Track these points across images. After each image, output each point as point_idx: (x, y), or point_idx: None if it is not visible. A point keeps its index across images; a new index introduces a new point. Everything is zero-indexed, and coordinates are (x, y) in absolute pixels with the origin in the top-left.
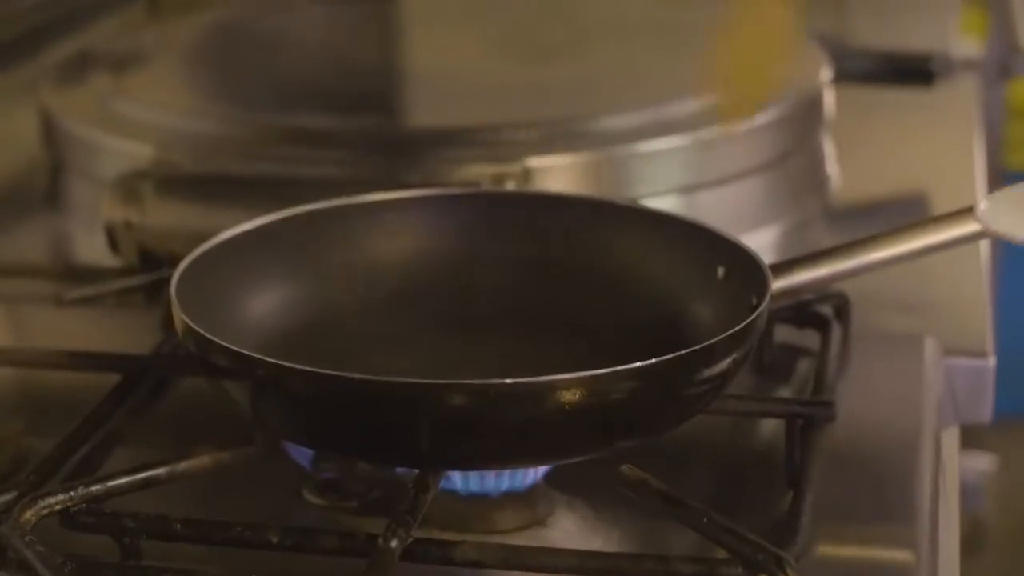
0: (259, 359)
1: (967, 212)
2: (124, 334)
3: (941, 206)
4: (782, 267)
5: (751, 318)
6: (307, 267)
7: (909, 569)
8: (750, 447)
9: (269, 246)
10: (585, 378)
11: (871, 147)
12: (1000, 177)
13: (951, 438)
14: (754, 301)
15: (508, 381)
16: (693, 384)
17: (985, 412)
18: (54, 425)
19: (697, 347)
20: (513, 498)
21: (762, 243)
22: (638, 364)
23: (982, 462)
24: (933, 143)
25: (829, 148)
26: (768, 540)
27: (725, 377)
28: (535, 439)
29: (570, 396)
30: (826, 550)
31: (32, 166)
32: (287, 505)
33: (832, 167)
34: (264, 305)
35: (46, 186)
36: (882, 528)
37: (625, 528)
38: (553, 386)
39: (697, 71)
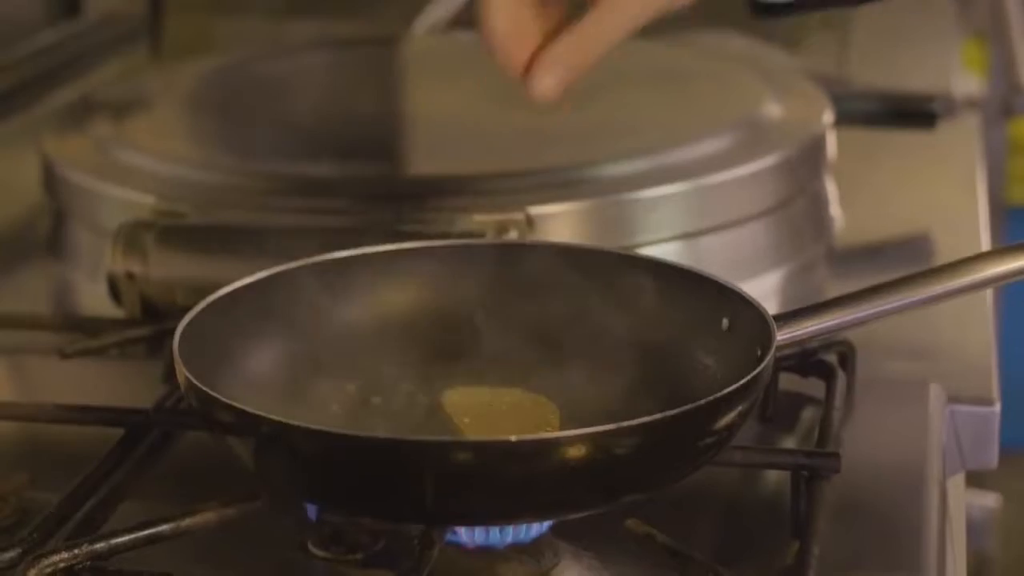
0: (262, 417)
1: (973, 260)
2: (127, 386)
3: (945, 247)
4: (787, 318)
5: (756, 371)
6: (311, 320)
7: None
8: (755, 496)
9: (271, 299)
10: (589, 435)
11: (874, 189)
12: (1002, 211)
13: (957, 485)
14: (759, 352)
15: (512, 439)
16: (699, 438)
17: (991, 458)
18: (58, 478)
19: (702, 402)
20: (518, 550)
21: (766, 288)
22: (643, 420)
23: (988, 500)
24: (936, 184)
25: (832, 190)
26: None
27: (731, 430)
28: (540, 495)
29: (575, 452)
30: None
31: (33, 213)
32: (291, 558)
33: (835, 209)
34: (267, 358)
35: (48, 233)
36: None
37: None
38: (557, 443)
39: (698, 117)
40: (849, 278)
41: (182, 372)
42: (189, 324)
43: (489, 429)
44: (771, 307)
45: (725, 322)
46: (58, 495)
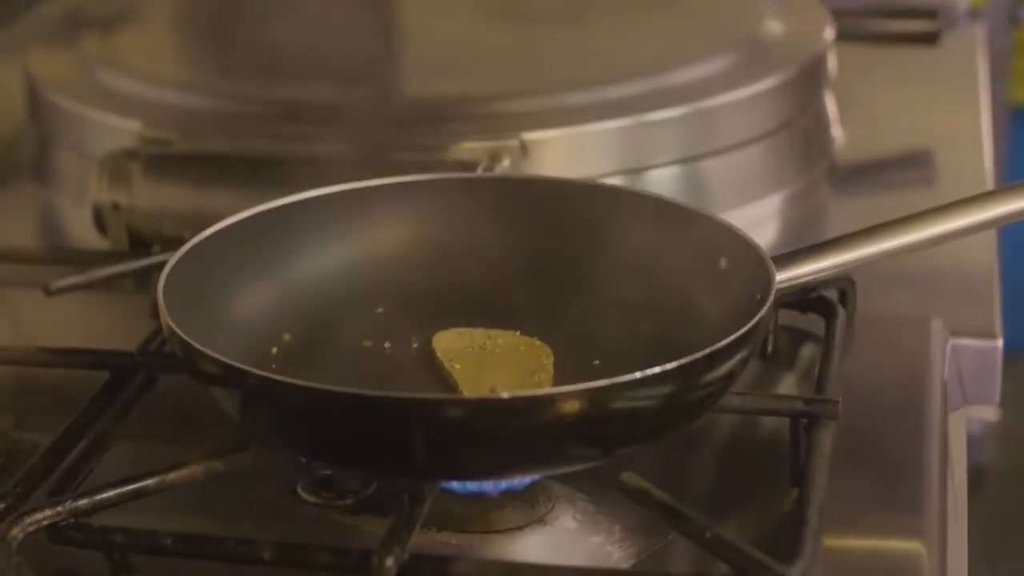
0: (248, 371)
1: (977, 199)
2: (113, 321)
3: (947, 163)
4: (786, 259)
5: (755, 319)
6: (299, 260)
7: (918, 559)
8: (751, 441)
9: (258, 239)
10: (584, 391)
11: (875, 106)
12: (1006, 112)
13: (959, 420)
14: (758, 297)
15: (505, 396)
16: (698, 389)
17: (993, 394)
18: (44, 419)
19: (699, 354)
20: (512, 496)
21: (768, 211)
22: (639, 375)
23: (987, 413)
24: (938, 100)
25: (832, 109)
26: (770, 547)
27: (730, 378)
28: (534, 451)
29: (569, 408)
30: (832, 542)
31: (19, 131)
32: (280, 502)
33: (836, 128)
34: (255, 301)
35: (33, 156)
36: (889, 518)
37: (626, 522)
38: (551, 399)
39: (697, 36)
40: (851, 197)
41: (166, 322)
42: (174, 268)
43: (481, 374)
44: (773, 230)
45: (723, 262)
46: (44, 435)
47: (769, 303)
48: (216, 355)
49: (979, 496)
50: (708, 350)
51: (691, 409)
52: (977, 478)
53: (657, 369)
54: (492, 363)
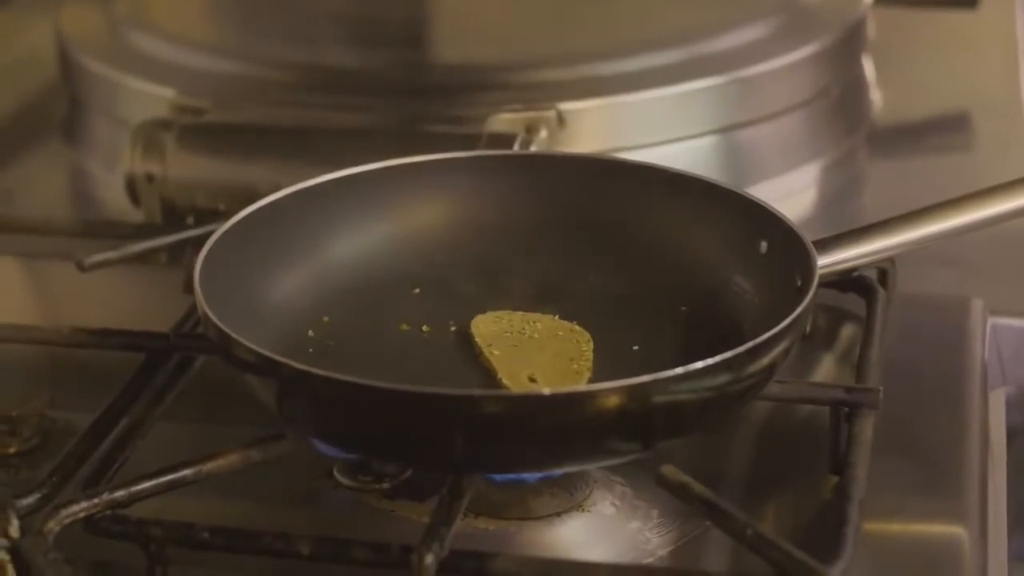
0: (284, 363)
1: (1015, 184)
2: (147, 295)
3: (985, 127)
4: (827, 244)
5: (799, 309)
6: (336, 239)
7: (959, 544)
8: (790, 426)
9: (293, 219)
10: (625, 387)
11: (913, 69)
12: None
13: (998, 399)
14: (799, 283)
15: (546, 392)
16: (740, 381)
17: None
18: (79, 398)
19: (743, 348)
20: (550, 483)
21: (806, 180)
22: (680, 370)
23: None
24: (976, 64)
25: (870, 72)
26: (810, 539)
27: (772, 369)
28: (574, 445)
29: (610, 404)
30: (872, 527)
31: (50, 88)
32: (317, 486)
33: (874, 92)
34: (292, 282)
35: (64, 118)
36: (930, 503)
37: (664, 508)
38: (592, 395)
39: (733, 2)
40: (889, 161)
41: (203, 309)
42: (209, 252)
43: (519, 361)
44: (812, 198)
45: (764, 245)
46: (79, 414)
47: (812, 292)
48: (252, 345)
49: (1013, 450)
50: (751, 344)
51: (733, 401)
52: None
53: (699, 364)
54: (531, 349)
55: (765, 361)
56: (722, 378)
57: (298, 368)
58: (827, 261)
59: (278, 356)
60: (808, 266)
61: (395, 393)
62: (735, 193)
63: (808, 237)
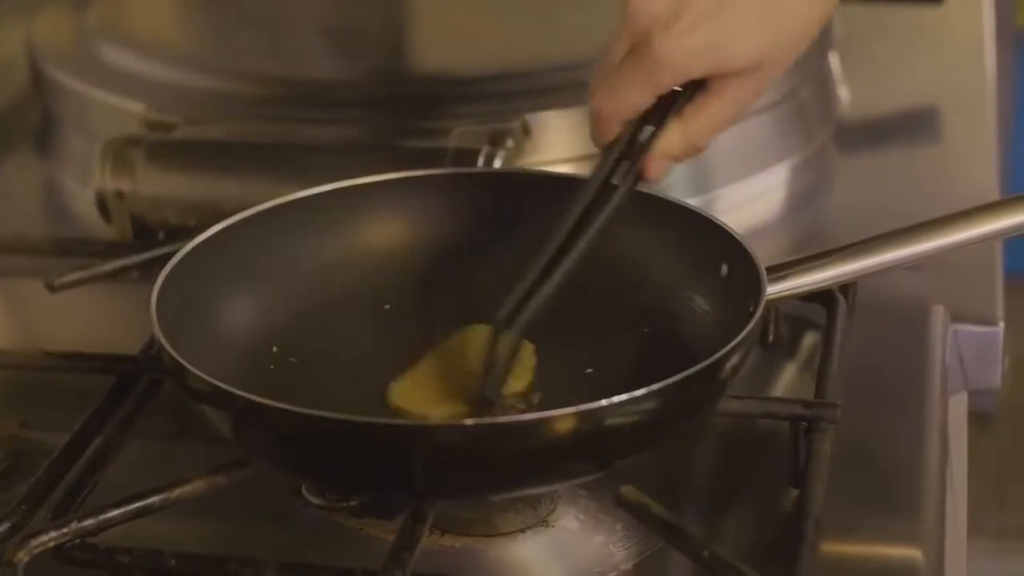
0: (238, 395)
1: (979, 210)
2: (118, 312)
3: (953, 122)
4: (782, 270)
5: (743, 334)
6: (296, 258)
7: (915, 566)
8: (750, 441)
9: (252, 241)
10: (579, 413)
11: (881, 65)
12: (1013, 37)
13: (959, 404)
14: (751, 309)
15: (500, 421)
16: (691, 402)
17: (994, 377)
18: (51, 419)
19: (691, 371)
20: (514, 499)
21: (776, 180)
22: (632, 394)
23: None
24: (943, 58)
25: (837, 69)
26: (769, 556)
27: (724, 386)
28: (531, 469)
29: (564, 428)
30: (830, 548)
31: (22, 97)
32: (285, 505)
33: (841, 88)
34: (252, 305)
35: (36, 129)
36: (887, 523)
37: (628, 521)
38: (547, 422)
39: None
40: (857, 157)
41: (159, 338)
42: (167, 279)
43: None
44: (780, 199)
45: (725, 268)
46: (51, 435)
47: (756, 317)
48: (205, 376)
49: (987, 432)
50: (699, 366)
51: (687, 418)
52: (984, 416)
53: (648, 389)
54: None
55: (713, 383)
56: (674, 399)
57: (250, 399)
58: (779, 288)
59: (232, 388)
60: (758, 292)
61: (349, 424)
62: (697, 214)
63: (762, 264)
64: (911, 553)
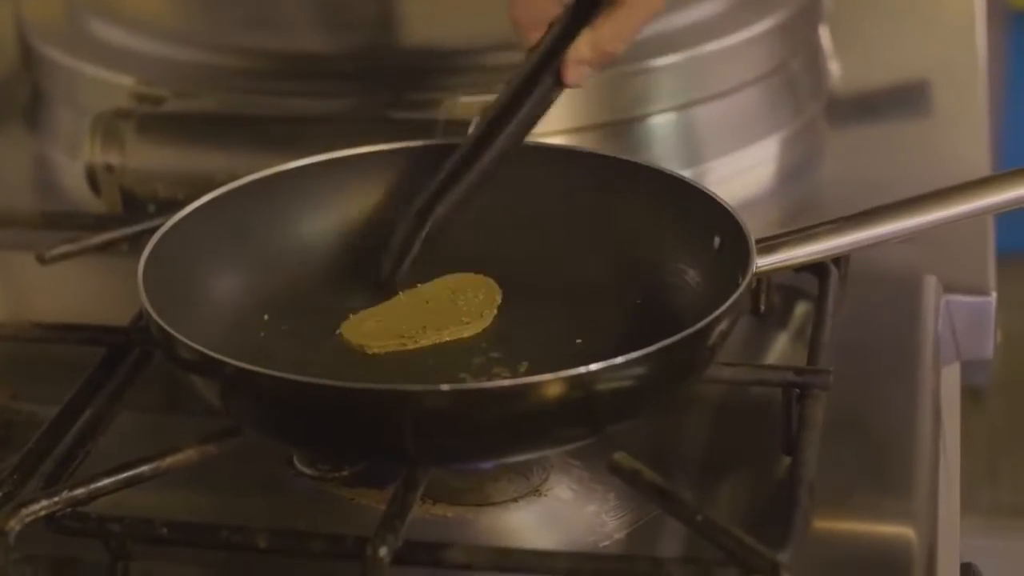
0: (227, 362)
1: (972, 185)
2: (108, 284)
3: (943, 95)
4: (774, 242)
5: (730, 300)
6: (284, 228)
7: (907, 544)
8: (742, 408)
9: (240, 212)
10: (569, 377)
11: (871, 37)
12: (1006, 16)
13: (952, 374)
14: (739, 278)
15: (490, 385)
16: (680, 367)
17: (987, 348)
18: (43, 389)
19: (680, 336)
20: (507, 468)
21: (767, 153)
22: (623, 358)
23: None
24: (934, 30)
25: (828, 43)
26: (762, 522)
27: (712, 351)
28: (522, 434)
29: (554, 392)
30: (822, 524)
31: (12, 73)
32: (277, 475)
33: (832, 62)
34: (241, 275)
35: (25, 105)
36: (880, 499)
37: (621, 490)
38: (537, 386)
39: None
40: (848, 130)
41: (146, 308)
42: (154, 249)
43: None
44: (771, 171)
45: (717, 240)
46: (42, 406)
47: (744, 285)
48: (192, 344)
49: (980, 407)
50: (685, 333)
51: (677, 383)
52: (976, 392)
53: (638, 354)
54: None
55: (705, 346)
56: (662, 364)
57: (240, 367)
58: (769, 260)
59: (219, 355)
60: (746, 262)
61: (337, 390)
62: (690, 185)
63: (751, 235)
64: (903, 529)
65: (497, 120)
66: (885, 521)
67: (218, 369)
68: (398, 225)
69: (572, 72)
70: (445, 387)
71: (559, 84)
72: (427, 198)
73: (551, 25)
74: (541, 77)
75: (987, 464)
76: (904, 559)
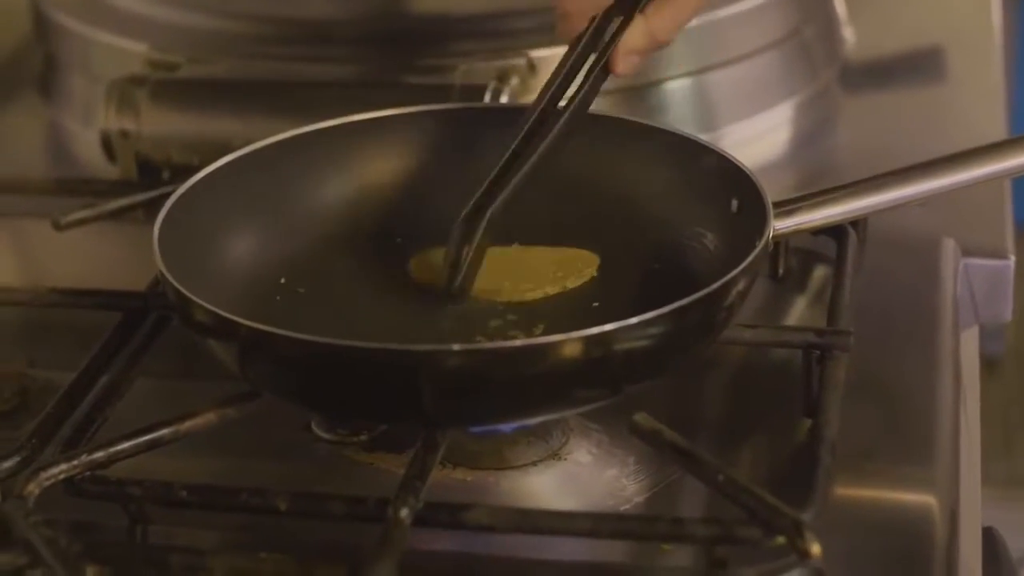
0: (242, 323)
1: (987, 149)
2: (124, 251)
3: (958, 61)
4: (791, 205)
5: (747, 261)
6: (298, 193)
7: (929, 511)
8: (763, 369)
9: (256, 176)
10: (588, 336)
11: (885, 4)
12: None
13: (970, 338)
14: (756, 239)
15: (509, 344)
16: (697, 327)
17: (1005, 311)
18: (58, 358)
19: (697, 295)
20: (526, 431)
21: (780, 118)
22: (641, 318)
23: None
24: None
25: (842, 9)
26: (784, 483)
27: (730, 311)
28: (542, 393)
29: (573, 352)
30: (844, 491)
31: (24, 44)
32: (295, 439)
33: (846, 28)
34: (258, 239)
35: (39, 74)
36: (901, 466)
37: (640, 454)
38: (556, 345)
39: None
40: (863, 96)
41: (161, 270)
42: (169, 212)
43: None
44: (785, 137)
45: (735, 204)
46: (58, 373)
47: (761, 245)
48: (209, 306)
49: (995, 377)
50: (701, 293)
51: (695, 343)
52: (992, 362)
53: (654, 313)
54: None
55: (722, 305)
56: (679, 324)
57: (256, 328)
58: (790, 223)
59: (236, 317)
60: (763, 225)
61: (352, 350)
62: (709, 148)
63: (768, 197)
64: (925, 497)
65: (543, 114)
66: (906, 488)
67: (234, 331)
68: (452, 233)
69: (623, 62)
70: (457, 347)
71: (605, 74)
72: (478, 200)
73: (594, 17)
74: (590, 68)
75: (1003, 435)
76: (926, 526)
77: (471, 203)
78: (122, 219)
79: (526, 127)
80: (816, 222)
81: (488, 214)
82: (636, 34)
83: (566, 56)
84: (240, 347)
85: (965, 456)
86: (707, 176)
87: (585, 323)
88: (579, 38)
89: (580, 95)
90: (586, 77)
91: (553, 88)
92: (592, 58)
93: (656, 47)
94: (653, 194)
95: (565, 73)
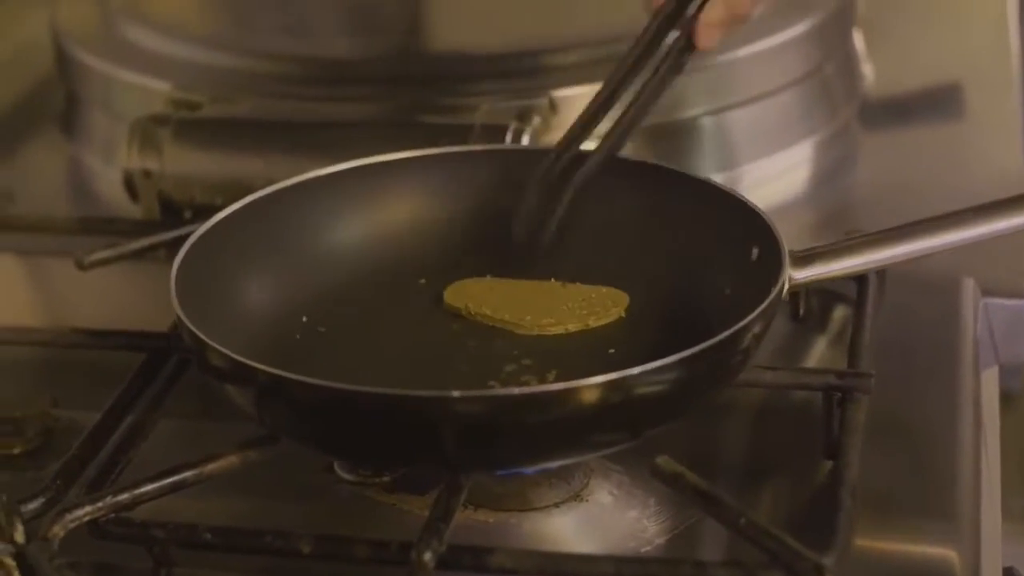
0: (259, 369)
1: (1009, 202)
2: (146, 290)
3: (976, 97)
4: (809, 257)
5: (762, 307)
6: (315, 236)
7: (950, 566)
8: (785, 407)
9: (278, 218)
10: (607, 382)
11: (904, 40)
12: None
13: (991, 378)
14: (773, 292)
15: (528, 391)
16: (714, 371)
17: None
18: (82, 398)
19: (713, 340)
20: (548, 473)
21: (800, 157)
22: (659, 363)
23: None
24: (966, 33)
25: (861, 46)
26: (805, 526)
27: (747, 354)
28: (556, 439)
29: (593, 397)
30: (864, 542)
31: (47, 80)
32: (317, 481)
33: (865, 65)
34: (277, 282)
35: (61, 112)
36: (922, 518)
37: (661, 495)
38: (576, 391)
39: None
40: (881, 133)
41: (179, 315)
42: (186, 257)
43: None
44: (804, 176)
45: (755, 252)
46: (82, 413)
47: (775, 292)
48: (225, 350)
49: (1012, 410)
50: (713, 340)
51: (712, 386)
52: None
53: (673, 358)
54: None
55: (739, 348)
56: (696, 368)
57: (273, 373)
58: (806, 274)
59: (252, 360)
60: (778, 276)
61: (372, 396)
62: (732, 196)
63: (786, 249)
64: (946, 551)
65: (621, 83)
66: (928, 542)
67: (250, 376)
68: (526, 191)
69: (704, 35)
70: (457, 393)
71: (690, 48)
72: (565, 164)
73: None
74: (671, 41)
75: (1021, 469)
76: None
77: (542, 170)
78: (145, 258)
79: (600, 99)
80: (834, 272)
81: (574, 179)
82: (717, 6)
83: (648, 24)
84: (256, 392)
85: (986, 498)
86: (731, 224)
87: (598, 370)
88: (660, 8)
89: (662, 70)
90: (667, 54)
91: (634, 59)
92: (673, 35)
93: (736, 20)
94: (679, 239)
95: (645, 45)
